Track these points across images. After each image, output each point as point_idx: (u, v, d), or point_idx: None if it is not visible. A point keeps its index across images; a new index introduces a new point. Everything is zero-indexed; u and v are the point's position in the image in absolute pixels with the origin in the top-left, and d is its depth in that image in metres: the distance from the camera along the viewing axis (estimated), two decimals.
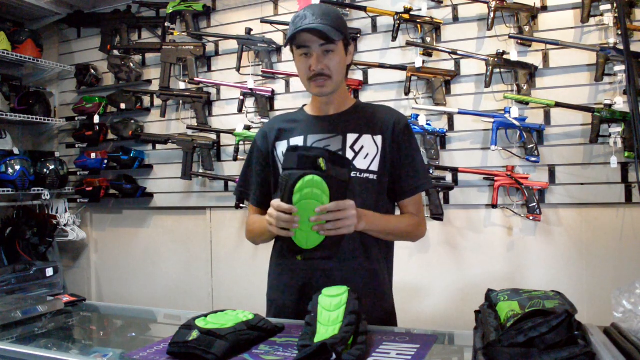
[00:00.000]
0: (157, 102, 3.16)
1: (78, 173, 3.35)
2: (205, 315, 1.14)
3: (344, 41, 1.37)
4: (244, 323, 1.11)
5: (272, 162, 1.47)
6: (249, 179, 1.53)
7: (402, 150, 1.41)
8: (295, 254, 1.22)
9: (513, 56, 2.37)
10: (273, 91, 2.89)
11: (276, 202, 1.18)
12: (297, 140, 1.43)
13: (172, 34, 3.10)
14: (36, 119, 3.20)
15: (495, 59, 2.39)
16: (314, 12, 1.32)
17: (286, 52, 2.87)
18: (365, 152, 1.39)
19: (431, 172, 2.45)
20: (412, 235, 1.46)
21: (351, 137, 1.40)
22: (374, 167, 1.39)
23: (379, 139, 1.40)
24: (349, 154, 1.38)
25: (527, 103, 2.38)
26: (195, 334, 1.03)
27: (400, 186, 1.43)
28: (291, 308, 1.41)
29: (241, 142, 2.85)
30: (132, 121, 3.20)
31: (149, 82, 3.23)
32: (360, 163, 1.38)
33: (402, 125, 1.43)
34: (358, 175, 1.38)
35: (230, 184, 2.97)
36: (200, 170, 3.00)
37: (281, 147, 1.45)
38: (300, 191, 1.15)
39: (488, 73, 2.39)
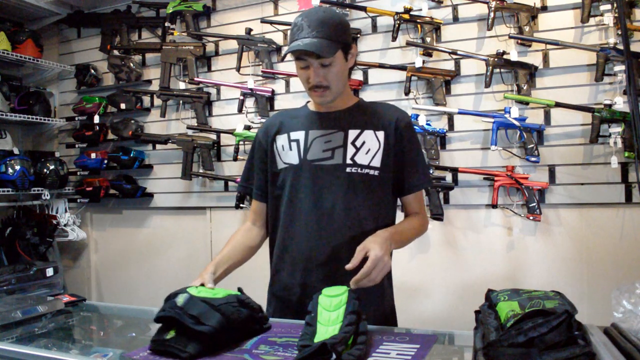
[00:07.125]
0: (157, 102, 3.16)
1: (78, 173, 3.35)
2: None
3: (344, 48, 1.34)
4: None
5: (270, 155, 1.47)
6: (250, 175, 1.54)
7: (404, 148, 1.42)
8: None
9: (513, 56, 2.37)
10: (273, 91, 2.88)
11: None
12: (298, 135, 1.43)
13: (172, 34, 3.10)
14: (36, 119, 3.20)
15: (495, 59, 2.39)
16: (311, 21, 1.29)
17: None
18: (367, 148, 1.39)
19: (431, 172, 2.45)
20: (420, 235, 1.49)
21: (352, 133, 1.40)
22: (376, 162, 1.39)
23: (381, 134, 1.40)
24: (350, 150, 1.38)
25: (527, 103, 2.38)
26: (172, 333, 1.06)
27: (402, 183, 1.43)
28: (292, 305, 1.42)
29: (241, 142, 2.85)
30: (132, 121, 3.19)
31: (149, 82, 3.23)
32: (362, 159, 1.38)
33: (405, 123, 1.43)
34: (359, 171, 1.38)
35: (230, 184, 2.97)
36: (200, 170, 3.00)
37: (281, 140, 1.46)
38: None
39: (488, 73, 2.39)
